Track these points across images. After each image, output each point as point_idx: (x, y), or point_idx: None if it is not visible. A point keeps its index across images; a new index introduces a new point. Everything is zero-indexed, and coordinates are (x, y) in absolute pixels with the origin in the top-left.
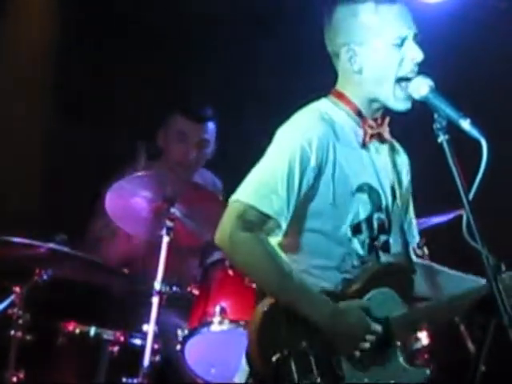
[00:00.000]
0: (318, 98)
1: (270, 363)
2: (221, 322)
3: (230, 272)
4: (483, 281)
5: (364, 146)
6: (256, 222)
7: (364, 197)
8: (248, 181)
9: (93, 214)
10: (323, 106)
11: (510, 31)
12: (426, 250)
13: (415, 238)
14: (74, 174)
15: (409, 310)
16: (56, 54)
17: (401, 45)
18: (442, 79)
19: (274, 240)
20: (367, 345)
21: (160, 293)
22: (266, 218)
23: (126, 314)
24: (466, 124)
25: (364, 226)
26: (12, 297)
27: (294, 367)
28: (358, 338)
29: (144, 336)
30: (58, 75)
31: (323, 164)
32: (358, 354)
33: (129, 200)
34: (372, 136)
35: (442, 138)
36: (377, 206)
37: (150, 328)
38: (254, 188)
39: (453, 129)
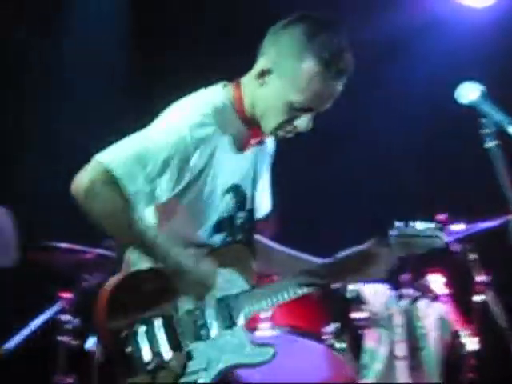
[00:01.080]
0: (219, 80)
1: (118, 338)
2: (266, 328)
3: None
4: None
5: (242, 151)
6: (118, 184)
7: (229, 197)
8: (123, 147)
9: None
10: (221, 99)
11: None
12: (474, 255)
13: (267, 207)
14: None
15: (250, 289)
16: None
17: (300, 110)
18: (489, 84)
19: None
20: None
21: None
22: (125, 188)
23: None
24: None
25: (226, 225)
26: (61, 302)
27: (142, 344)
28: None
29: None
30: None
31: (202, 166)
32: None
33: None
34: (253, 144)
35: (491, 144)
36: (240, 206)
37: None
38: (127, 160)
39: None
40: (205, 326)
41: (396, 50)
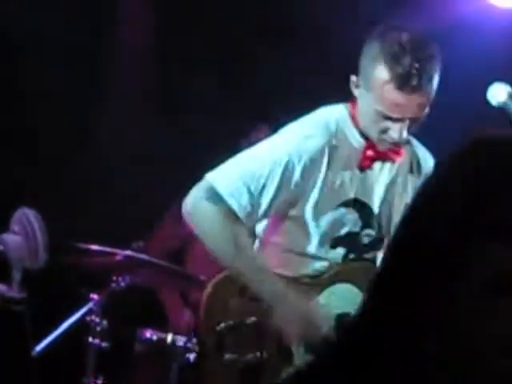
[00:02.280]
0: (339, 101)
1: (214, 332)
2: None
3: None
4: None
5: (362, 168)
6: (222, 201)
7: (349, 212)
8: (229, 166)
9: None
10: (339, 113)
11: None
12: None
13: None
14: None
15: None
16: None
17: (388, 118)
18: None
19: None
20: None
21: None
22: (229, 207)
23: None
24: None
25: (347, 240)
26: (89, 304)
27: (237, 339)
28: (303, 321)
29: None
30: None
31: (309, 177)
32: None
33: None
34: (374, 159)
35: None
36: (367, 222)
37: None
38: (231, 177)
39: None
40: None
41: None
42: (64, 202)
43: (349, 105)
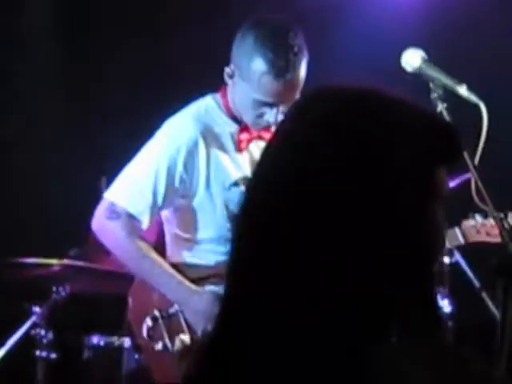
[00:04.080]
0: (206, 93)
1: (142, 327)
2: None
3: None
4: None
5: (240, 150)
6: (121, 216)
7: (241, 190)
8: (119, 180)
9: None
10: (206, 104)
11: None
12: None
13: None
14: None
15: None
16: None
17: (265, 105)
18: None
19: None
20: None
21: None
22: (130, 215)
23: None
24: (463, 90)
25: None
26: (33, 317)
27: (164, 327)
28: (208, 319)
29: None
30: None
31: (192, 166)
32: None
33: None
34: (249, 140)
35: (441, 107)
36: None
37: None
38: (123, 188)
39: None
40: None
41: (337, 13)
42: None
43: (217, 95)
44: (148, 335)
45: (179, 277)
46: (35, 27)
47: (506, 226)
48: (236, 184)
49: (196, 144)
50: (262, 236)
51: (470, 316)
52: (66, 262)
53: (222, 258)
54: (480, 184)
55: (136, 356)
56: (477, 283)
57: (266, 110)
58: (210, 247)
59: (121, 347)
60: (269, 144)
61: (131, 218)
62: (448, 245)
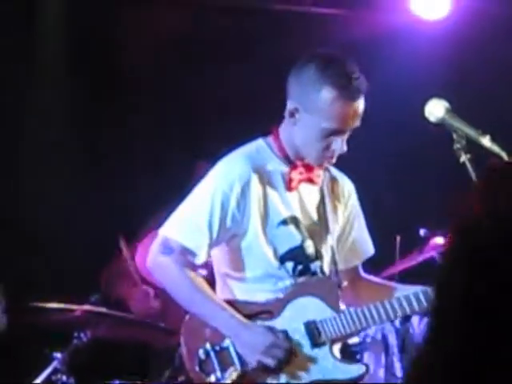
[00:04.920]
0: (256, 137)
1: (195, 359)
2: None
3: None
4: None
5: (290, 189)
6: (175, 250)
7: (290, 228)
8: (174, 216)
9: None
10: (257, 145)
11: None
12: None
13: (370, 250)
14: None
15: (338, 315)
16: None
17: (334, 134)
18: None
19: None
20: (271, 360)
21: None
22: (186, 250)
23: (169, 366)
24: (486, 141)
25: (294, 254)
26: (54, 363)
27: (216, 360)
28: (260, 352)
29: None
30: None
31: (244, 203)
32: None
33: None
34: (300, 181)
35: (464, 158)
36: (306, 235)
37: None
38: (179, 224)
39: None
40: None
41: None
42: (14, 260)
43: (269, 137)
44: (200, 368)
45: (231, 310)
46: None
47: None
48: (284, 222)
49: (248, 181)
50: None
51: None
52: (87, 307)
53: (270, 295)
54: None
55: None
56: None
57: (333, 139)
58: (257, 286)
59: None
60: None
61: (186, 253)
62: None
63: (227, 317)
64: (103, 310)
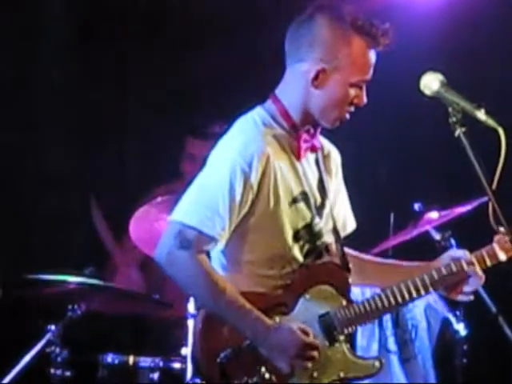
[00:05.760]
0: (253, 106)
1: (215, 364)
2: None
3: None
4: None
5: (299, 159)
6: (194, 242)
7: (301, 205)
8: (188, 200)
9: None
10: (260, 117)
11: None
12: (452, 240)
13: (353, 224)
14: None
15: (349, 304)
16: None
17: (357, 87)
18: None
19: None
20: (305, 362)
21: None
22: (207, 238)
23: (163, 339)
24: (481, 114)
25: (303, 233)
26: (48, 335)
27: (239, 365)
28: (290, 355)
29: (183, 359)
30: None
31: (262, 181)
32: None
33: (153, 224)
34: (306, 149)
35: (459, 131)
36: (314, 212)
37: (188, 351)
38: (195, 209)
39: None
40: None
41: None
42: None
43: (268, 105)
44: (222, 374)
45: (255, 312)
46: None
47: None
48: (296, 200)
49: (266, 156)
50: None
51: (485, 340)
52: (81, 280)
53: (279, 282)
54: (496, 207)
55: (151, 375)
56: (493, 308)
57: (357, 92)
58: (263, 271)
59: (136, 366)
60: None
61: (206, 242)
62: (489, 263)
63: (252, 320)
64: (97, 282)
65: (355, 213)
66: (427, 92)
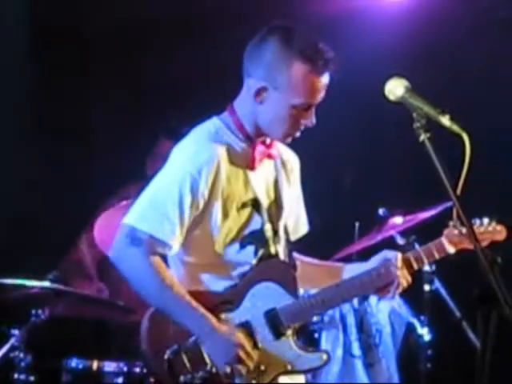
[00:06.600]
0: (210, 116)
1: (163, 360)
2: None
3: None
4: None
5: (253, 168)
6: (145, 242)
7: (250, 211)
8: (141, 205)
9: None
10: (215, 126)
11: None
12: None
13: (305, 228)
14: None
15: (296, 300)
16: None
17: (301, 108)
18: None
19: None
20: (236, 365)
21: None
22: (157, 242)
23: (127, 344)
24: (445, 119)
25: (254, 238)
26: (12, 340)
27: (186, 360)
28: (226, 355)
29: None
30: None
31: (212, 188)
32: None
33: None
34: (261, 159)
35: (424, 137)
36: (266, 217)
37: None
38: (147, 214)
39: None
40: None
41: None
42: None
43: (224, 115)
44: (170, 369)
45: (202, 309)
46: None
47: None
48: (245, 205)
49: (215, 164)
50: None
51: (449, 344)
52: (45, 284)
53: (229, 282)
54: (461, 212)
55: (115, 380)
56: (457, 313)
57: (302, 114)
58: (215, 272)
59: (100, 370)
60: None
61: (156, 244)
62: (437, 256)
63: (198, 317)
64: (61, 287)
65: (319, 218)
66: (392, 97)
